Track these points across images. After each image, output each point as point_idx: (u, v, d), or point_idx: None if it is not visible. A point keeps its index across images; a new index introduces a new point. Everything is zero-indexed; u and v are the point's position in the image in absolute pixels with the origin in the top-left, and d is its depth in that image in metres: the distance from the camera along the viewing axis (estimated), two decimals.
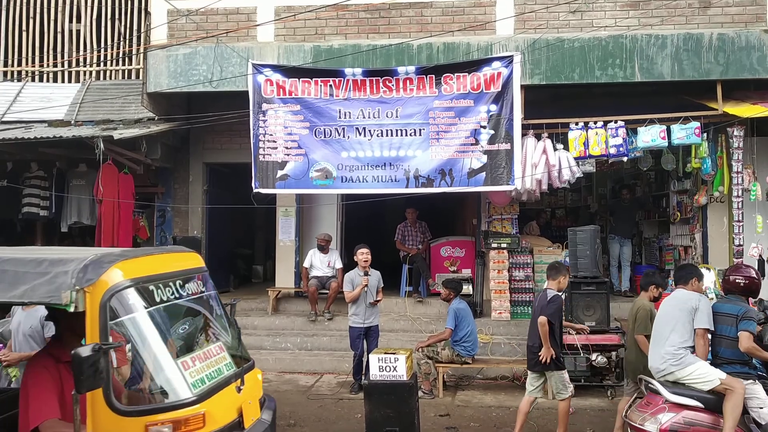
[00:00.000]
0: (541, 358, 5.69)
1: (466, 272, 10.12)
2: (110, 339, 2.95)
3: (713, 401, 4.80)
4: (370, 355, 5.90)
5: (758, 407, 4.79)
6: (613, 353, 7.33)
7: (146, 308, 3.19)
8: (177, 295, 3.53)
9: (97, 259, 3.03)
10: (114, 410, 2.89)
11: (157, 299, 3.30)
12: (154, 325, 3.23)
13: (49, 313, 3.30)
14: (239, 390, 3.62)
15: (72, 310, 2.86)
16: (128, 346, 3.19)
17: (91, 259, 3.01)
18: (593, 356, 7.25)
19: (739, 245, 8.05)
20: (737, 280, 5.16)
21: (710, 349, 5.16)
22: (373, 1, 8.83)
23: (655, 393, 4.98)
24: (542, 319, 5.68)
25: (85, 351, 2.73)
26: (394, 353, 5.61)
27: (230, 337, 4.05)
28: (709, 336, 5.06)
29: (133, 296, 3.13)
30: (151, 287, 3.28)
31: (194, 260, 4.02)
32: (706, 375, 4.83)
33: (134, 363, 3.23)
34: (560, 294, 5.92)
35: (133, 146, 9.04)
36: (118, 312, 3.05)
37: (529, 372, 6.02)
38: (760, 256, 7.88)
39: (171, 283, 3.50)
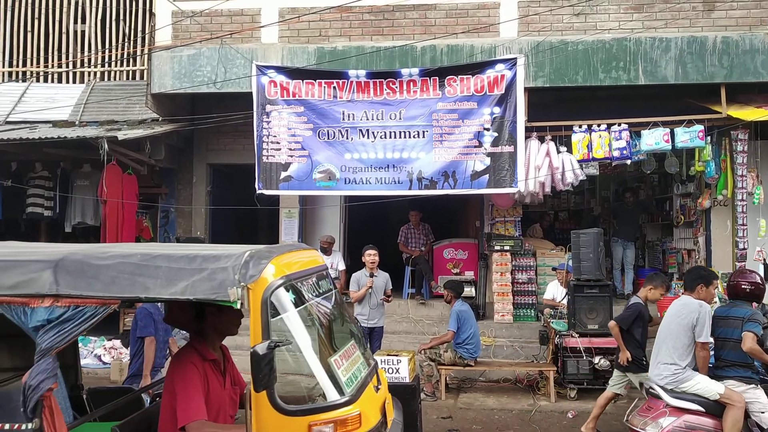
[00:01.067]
0: (619, 359, 6.01)
1: (469, 274, 10.11)
2: (272, 336, 2.88)
3: (714, 405, 4.80)
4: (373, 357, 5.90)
5: (760, 411, 4.79)
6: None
7: (298, 306, 3.13)
8: (317, 293, 3.50)
9: (256, 254, 2.97)
10: (278, 410, 2.81)
11: (306, 297, 3.26)
12: (307, 323, 3.19)
13: (194, 308, 3.23)
14: (377, 389, 3.55)
15: (238, 306, 2.80)
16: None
17: (250, 254, 2.94)
18: (596, 359, 7.23)
19: (743, 249, 8.04)
20: (743, 286, 5.16)
21: (712, 353, 5.16)
22: (377, 3, 8.85)
23: (656, 397, 4.98)
24: (611, 323, 6.12)
25: (262, 348, 2.69)
26: (396, 355, 5.61)
27: (358, 335, 4.02)
28: (712, 342, 5.05)
29: (287, 294, 3.06)
30: (298, 284, 3.22)
31: (318, 257, 3.99)
32: (704, 390, 4.84)
33: (293, 362, 3.18)
34: (640, 302, 6.06)
35: (137, 147, 9.06)
36: (278, 309, 2.98)
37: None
38: (764, 260, 7.86)
39: (311, 281, 3.46)
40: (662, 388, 4.96)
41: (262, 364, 2.69)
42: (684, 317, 5.01)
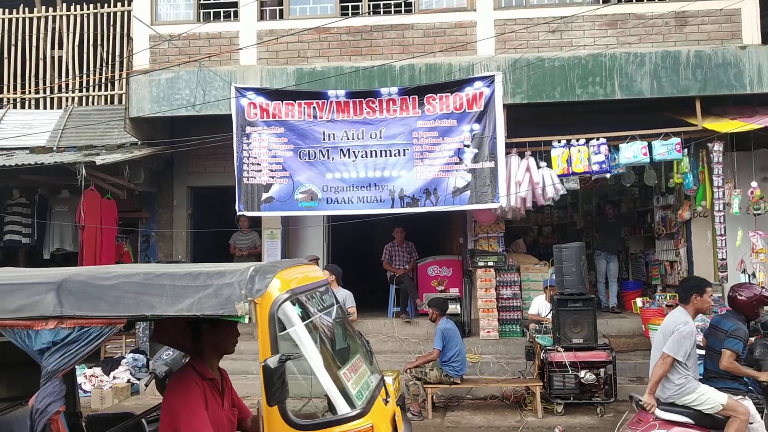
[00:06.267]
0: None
1: (454, 291, 10.07)
2: (281, 350, 2.87)
3: (704, 417, 4.78)
4: None
5: (749, 422, 4.78)
6: (602, 370, 7.30)
7: (304, 320, 3.10)
8: (321, 307, 3.48)
9: (261, 269, 2.97)
10: (291, 425, 2.79)
11: (311, 311, 3.25)
12: (314, 336, 3.15)
13: (189, 326, 3.17)
14: (386, 402, 3.51)
15: (246, 321, 2.79)
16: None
17: (255, 269, 2.94)
18: (582, 373, 7.21)
19: (722, 259, 8.10)
20: (738, 297, 5.19)
21: (701, 363, 5.14)
22: (355, 23, 8.91)
23: (645, 410, 4.96)
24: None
25: (273, 362, 2.67)
26: None
27: (364, 349, 3.98)
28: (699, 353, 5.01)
29: (294, 308, 3.05)
30: (303, 298, 3.21)
31: (318, 272, 3.97)
32: (708, 401, 4.78)
33: (302, 376, 3.17)
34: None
35: (116, 171, 8.98)
36: (285, 323, 2.97)
37: None
38: (744, 270, 7.92)
39: (315, 295, 3.46)
40: (662, 401, 4.91)
41: (274, 378, 2.68)
42: (668, 333, 4.95)
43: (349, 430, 2.91)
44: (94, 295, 2.85)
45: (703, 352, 5.44)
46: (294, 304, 3.06)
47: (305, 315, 3.15)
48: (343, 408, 2.97)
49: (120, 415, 4.52)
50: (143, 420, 4.07)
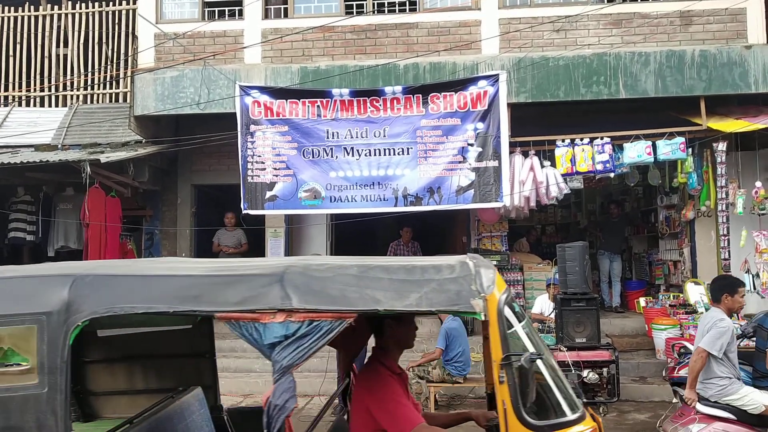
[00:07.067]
0: None
1: None
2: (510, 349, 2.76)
3: (746, 414, 4.75)
4: None
5: None
6: (605, 370, 7.29)
7: (519, 320, 3.02)
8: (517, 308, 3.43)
9: (481, 264, 2.86)
10: (525, 425, 2.68)
11: (518, 311, 3.14)
12: (531, 336, 3.08)
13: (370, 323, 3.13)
14: None
15: (482, 318, 2.69)
16: None
17: (476, 264, 2.83)
18: (584, 373, 7.21)
19: (726, 259, 8.08)
20: None
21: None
22: (360, 22, 8.91)
23: (687, 404, 4.95)
24: None
25: (527, 361, 2.62)
26: None
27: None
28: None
29: (511, 306, 2.96)
30: (509, 297, 3.07)
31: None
32: (750, 401, 4.76)
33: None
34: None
35: (120, 169, 9.00)
36: (511, 322, 2.87)
37: None
38: (748, 270, 7.91)
39: (512, 294, 3.37)
40: (705, 399, 4.88)
41: (529, 378, 2.62)
42: (706, 329, 4.91)
43: (583, 430, 2.82)
44: (316, 288, 2.72)
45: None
46: (512, 303, 2.99)
47: (519, 315, 3.07)
48: (568, 410, 2.89)
49: (262, 408, 4.48)
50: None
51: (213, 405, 4.10)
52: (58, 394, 2.59)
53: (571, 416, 2.85)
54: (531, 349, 2.93)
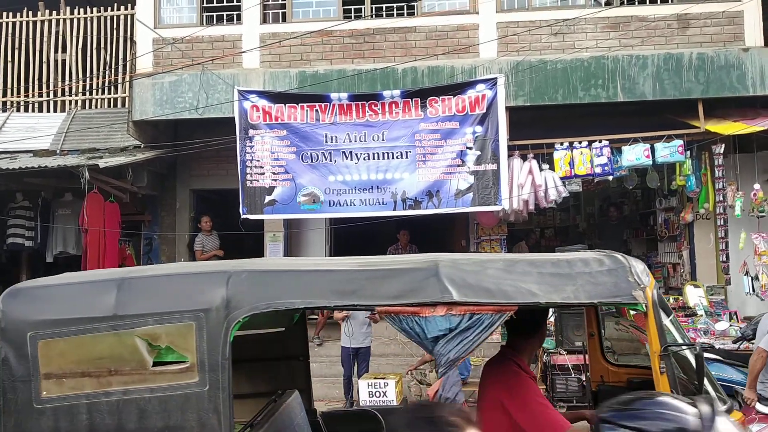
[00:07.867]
0: None
1: None
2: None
3: None
4: (359, 381, 5.85)
5: None
6: None
7: (667, 313, 3.02)
8: None
9: (630, 257, 2.89)
10: None
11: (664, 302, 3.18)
12: (679, 328, 3.10)
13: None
14: None
15: (643, 309, 2.69)
16: None
17: (624, 255, 2.86)
18: (584, 376, 7.19)
19: (725, 262, 8.09)
20: None
21: None
22: (358, 26, 8.93)
23: (747, 405, 4.93)
24: None
25: (700, 355, 2.64)
26: (383, 378, 5.57)
27: None
28: None
29: (661, 299, 2.94)
30: (659, 290, 3.13)
31: None
32: None
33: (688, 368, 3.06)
34: None
35: (119, 174, 9.00)
36: (667, 312, 2.88)
37: None
38: (747, 272, 7.91)
39: None
40: (765, 399, 4.85)
41: (702, 366, 2.63)
42: (765, 331, 4.90)
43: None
44: (472, 282, 2.69)
45: None
46: (660, 295, 2.97)
47: (666, 308, 3.08)
48: (721, 401, 2.87)
49: (356, 411, 4.41)
50: (378, 414, 3.91)
51: (307, 408, 4.05)
52: (221, 392, 2.55)
53: (723, 407, 2.81)
54: (680, 340, 2.94)
